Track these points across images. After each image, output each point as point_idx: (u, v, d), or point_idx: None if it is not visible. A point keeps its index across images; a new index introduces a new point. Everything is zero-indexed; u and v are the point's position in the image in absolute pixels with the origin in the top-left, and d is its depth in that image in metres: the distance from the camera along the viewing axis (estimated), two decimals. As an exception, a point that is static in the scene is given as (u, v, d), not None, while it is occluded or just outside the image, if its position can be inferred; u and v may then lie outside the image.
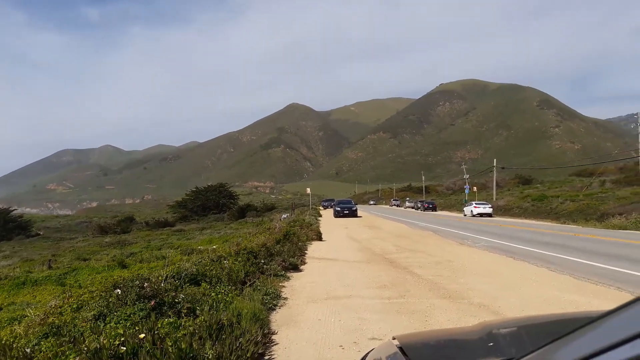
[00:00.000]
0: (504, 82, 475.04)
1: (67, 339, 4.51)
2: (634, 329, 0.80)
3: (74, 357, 4.00)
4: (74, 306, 6.40)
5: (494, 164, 62.14)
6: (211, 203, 78.87)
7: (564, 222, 30.43)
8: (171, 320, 5.04)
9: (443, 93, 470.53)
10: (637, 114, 49.12)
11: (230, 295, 6.77)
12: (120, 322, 5.14)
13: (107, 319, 5.38)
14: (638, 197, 29.71)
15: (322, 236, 19.82)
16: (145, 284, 6.16)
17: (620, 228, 23.78)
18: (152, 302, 5.68)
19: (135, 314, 5.40)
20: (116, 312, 5.53)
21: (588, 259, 12.36)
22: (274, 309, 7.16)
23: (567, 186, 58.54)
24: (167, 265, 8.55)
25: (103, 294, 6.24)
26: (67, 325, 5.20)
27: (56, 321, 5.43)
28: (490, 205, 42.84)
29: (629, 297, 7.31)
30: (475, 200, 48.35)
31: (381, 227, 28.01)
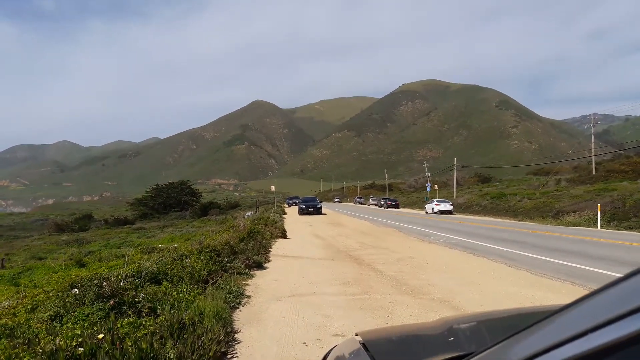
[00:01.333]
0: (464, 82, 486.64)
1: (21, 341, 4.34)
2: (588, 322, 0.83)
3: (29, 359, 3.86)
4: (28, 307, 6.18)
5: (455, 163, 63.51)
6: (173, 201, 77.59)
7: (522, 219, 31.40)
8: (131, 320, 4.93)
9: (406, 93, 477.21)
10: (589, 116, 51.18)
11: (192, 294, 6.68)
12: (78, 322, 5.01)
13: (64, 319, 5.23)
14: (590, 195, 30.92)
15: (287, 234, 19.78)
16: (104, 283, 6.01)
17: (574, 225, 24.73)
18: (112, 302, 5.55)
19: (93, 314, 5.26)
20: (73, 312, 5.38)
21: (544, 254, 12.80)
22: (237, 308, 7.10)
23: (525, 184, 60.36)
24: (127, 264, 8.36)
25: (60, 294, 6.05)
26: (21, 327, 5.01)
27: (9, 322, 5.23)
28: (450, 203, 43.77)
29: (581, 291, 7.62)
30: (436, 198, 49.28)
31: (345, 224, 28.19)
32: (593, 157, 53.04)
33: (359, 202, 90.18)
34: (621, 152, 74.43)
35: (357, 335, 1.96)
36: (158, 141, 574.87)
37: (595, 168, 50.76)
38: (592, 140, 52.25)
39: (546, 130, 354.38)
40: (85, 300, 5.68)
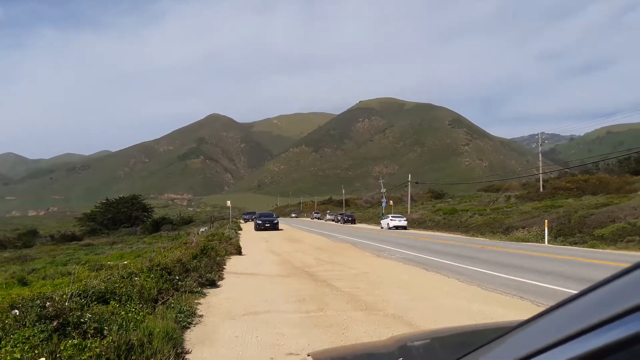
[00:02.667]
0: (419, 101, 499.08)
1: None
2: (545, 340, 0.84)
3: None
4: (-38, 330, 5.78)
5: (409, 179, 64.82)
6: (123, 216, 75.45)
7: (473, 235, 32.27)
8: (75, 341, 4.70)
9: (362, 110, 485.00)
10: (537, 135, 53.44)
11: (141, 314, 6.45)
12: (18, 345, 4.72)
13: (3, 342, 4.92)
14: (538, 212, 32.15)
15: (242, 250, 19.50)
16: (48, 303, 5.71)
17: (523, 240, 25.62)
18: (55, 323, 5.27)
19: (35, 336, 4.98)
20: (13, 334, 5.07)
21: (494, 270, 13.17)
22: (189, 327, 6.90)
23: (476, 201, 62.14)
24: (73, 283, 7.99)
25: (-2, 316, 5.70)
26: (-47, 351, 4.68)
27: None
28: (405, 218, 44.52)
29: (529, 306, 7.83)
30: (391, 214, 50.01)
31: (302, 240, 28.11)
32: (541, 175, 55.28)
33: (316, 218, 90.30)
34: (567, 170, 78.05)
35: (309, 355, 1.94)
36: (109, 154, 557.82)
37: (543, 185, 52.89)
38: (540, 159, 54.63)
39: (496, 149, 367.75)
40: (26, 322, 5.38)
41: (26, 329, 5.18)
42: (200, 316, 7.66)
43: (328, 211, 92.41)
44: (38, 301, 5.79)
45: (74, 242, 54.90)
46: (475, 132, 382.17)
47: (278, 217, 47.83)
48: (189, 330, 6.75)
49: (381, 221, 47.76)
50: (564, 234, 24.74)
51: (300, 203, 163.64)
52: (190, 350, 5.75)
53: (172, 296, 8.47)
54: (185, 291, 9.13)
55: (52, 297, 6.08)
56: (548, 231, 24.61)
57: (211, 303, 8.80)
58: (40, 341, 4.83)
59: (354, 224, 60.18)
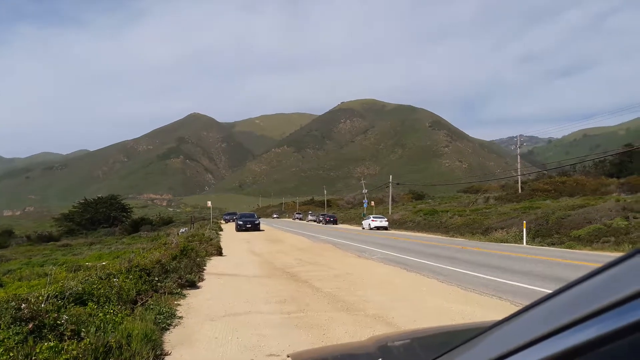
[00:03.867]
0: (399, 102, 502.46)
1: None
2: (519, 339, 0.86)
3: None
4: None
5: (390, 180, 65.23)
6: (101, 216, 74.47)
7: (453, 236, 32.60)
8: (52, 344, 4.62)
9: (344, 111, 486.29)
10: (516, 137, 54.21)
11: (119, 315, 6.37)
12: (-8, 348, 4.61)
13: (-24, 345, 4.80)
14: (517, 213, 32.62)
15: (223, 251, 19.38)
16: (23, 305, 5.59)
17: (501, 241, 25.98)
18: (30, 325, 5.17)
19: (10, 338, 4.88)
20: (-14, 337, 4.96)
21: (473, 270, 13.32)
22: (168, 329, 6.83)
23: (456, 202, 62.78)
24: (50, 284, 7.84)
25: (-29, 318, 5.56)
26: None
27: None
28: (386, 219, 44.78)
29: (508, 306, 7.94)
30: (372, 214, 50.24)
31: (283, 240, 28.06)
32: (519, 177, 56.10)
33: (297, 218, 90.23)
34: (544, 172, 79.44)
35: (288, 357, 1.94)
36: (87, 153, 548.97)
37: (521, 187, 53.65)
38: (519, 161, 55.36)
39: (476, 150, 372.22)
40: (0, 324, 5.26)
41: (1, 331, 5.07)
42: (180, 317, 7.60)
43: (310, 212, 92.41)
44: (13, 303, 5.67)
45: (51, 242, 53.96)
46: (455, 134, 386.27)
47: (259, 217, 47.65)
48: (168, 332, 6.68)
49: (363, 222, 47.95)
50: (541, 234, 25.16)
51: (282, 204, 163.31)
52: (169, 352, 5.70)
53: (151, 297, 8.38)
54: (165, 292, 9.04)
55: (27, 299, 5.96)
56: (526, 232, 25.00)
57: (191, 304, 8.73)
58: (15, 344, 4.74)
59: (336, 224, 60.28)
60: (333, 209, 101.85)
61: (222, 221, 68.93)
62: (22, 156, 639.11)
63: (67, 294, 6.85)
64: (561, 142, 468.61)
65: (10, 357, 4.24)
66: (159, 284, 9.45)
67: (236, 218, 46.63)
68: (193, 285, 10.74)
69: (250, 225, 39.87)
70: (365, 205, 67.85)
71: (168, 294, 9.04)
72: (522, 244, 24.25)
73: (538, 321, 0.86)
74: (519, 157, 55.23)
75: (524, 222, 25.92)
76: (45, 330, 5.23)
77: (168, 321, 7.10)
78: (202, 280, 11.85)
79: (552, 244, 23.15)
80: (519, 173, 55.89)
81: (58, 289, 6.99)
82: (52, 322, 5.37)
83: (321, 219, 65.68)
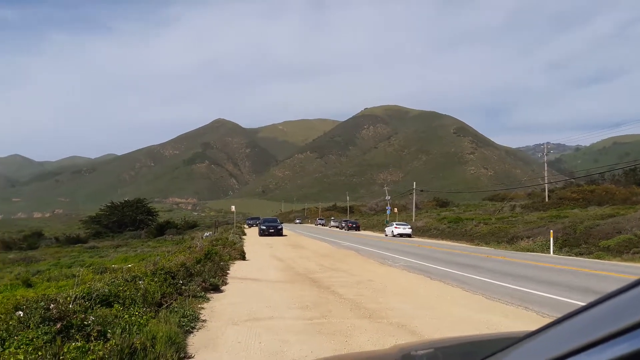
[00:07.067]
0: (423, 109, 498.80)
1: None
2: (551, 353, 0.84)
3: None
4: (-33, 330, 5.81)
5: (414, 187, 64.71)
6: (128, 219, 75.72)
7: (478, 244, 32.12)
8: (79, 344, 4.71)
9: (367, 117, 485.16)
10: (543, 145, 53.25)
11: (144, 317, 6.46)
12: (22, 347, 4.74)
13: (7, 343, 4.94)
14: (544, 222, 31.98)
15: (246, 255, 19.51)
16: (52, 305, 5.72)
17: (528, 250, 25.48)
18: (59, 325, 5.28)
19: (38, 337, 4.99)
20: (17, 336, 5.09)
21: (499, 279, 13.09)
22: (192, 332, 6.90)
23: (481, 210, 61.91)
24: (77, 285, 8.01)
25: (2, 317, 5.72)
26: (-42, 352, 4.70)
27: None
28: (409, 226, 44.40)
29: (534, 317, 7.77)
30: (396, 221, 49.87)
31: (306, 246, 28.08)
32: (546, 185, 55.07)
33: (320, 224, 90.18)
34: (572, 180, 77.76)
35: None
36: (115, 157, 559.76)
37: (548, 195, 52.66)
38: (545, 168, 54.38)
39: (502, 158, 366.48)
40: (30, 324, 5.39)
41: (30, 330, 5.19)
42: (204, 321, 7.66)
43: (332, 218, 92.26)
44: (42, 303, 5.80)
45: (79, 244, 55.08)
46: (480, 141, 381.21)
47: (282, 222, 47.84)
48: (192, 335, 6.75)
49: (385, 229, 47.64)
50: (569, 244, 24.58)
51: (304, 209, 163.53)
52: (193, 355, 5.75)
53: (175, 300, 8.47)
54: (189, 295, 9.13)
55: (56, 299, 6.10)
56: (553, 241, 24.47)
57: (214, 308, 8.79)
58: (43, 343, 4.84)
59: (358, 230, 60.06)
60: (355, 215, 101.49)
61: (246, 226, 69.41)
62: (52, 160, 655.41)
63: (94, 295, 6.98)
64: (590, 150, 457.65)
65: (38, 356, 4.33)
66: (183, 287, 9.56)
67: (259, 223, 46.92)
68: (217, 289, 10.83)
69: (273, 230, 40.05)
70: (388, 212, 67.43)
71: (192, 297, 9.13)
72: (549, 253, 23.74)
73: (569, 335, 0.84)
74: (545, 164, 54.26)
75: (551, 231, 25.38)
76: (73, 331, 5.33)
77: (192, 324, 7.17)
78: (226, 284, 11.94)
79: (580, 254, 22.58)
80: (546, 181, 54.85)
81: (85, 290, 7.13)
82: (79, 323, 5.48)
83: (343, 225, 65.51)
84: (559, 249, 24.20)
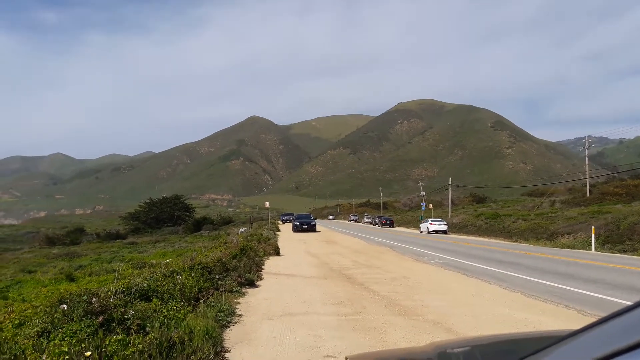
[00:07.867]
0: (459, 102, 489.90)
1: (7, 357, 4.24)
2: (596, 353, 0.80)
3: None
4: (15, 322, 6.06)
5: (450, 182, 63.69)
6: (165, 215, 77.29)
7: (516, 241, 31.39)
8: (120, 337, 4.84)
9: (401, 112, 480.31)
10: (584, 138, 51.53)
11: (182, 311, 6.59)
12: (66, 339, 4.91)
13: (52, 335, 5.12)
14: (585, 218, 30.98)
15: (280, 251, 19.67)
16: (94, 299, 5.91)
17: (568, 247, 24.74)
18: (100, 318, 5.45)
19: (81, 330, 5.16)
20: (61, 328, 5.27)
21: (538, 277, 12.75)
22: (228, 326, 7.00)
23: (519, 205, 60.49)
24: (117, 280, 8.25)
25: (48, 309, 5.94)
26: (7, 342, 4.90)
27: (-5, 338, 5.11)
28: (445, 223, 43.76)
29: (575, 315, 7.52)
30: (431, 217, 49.29)
31: (339, 242, 28.09)
32: (587, 180, 53.29)
33: (353, 220, 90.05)
34: (615, 174, 75.01)
35: (346, 358, 1.93)
36: (152, 155, 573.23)
37: (590, 190, 50.99)
38: (587, 163, 52.59)
39: (541, 152, 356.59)
40: (73, 316, 5.58)
41: (74, 323, 5.37)
42: (240, 315, 7.76)
43: (365, 214, 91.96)
44: (85, 297, 5.99)
45: (119, 240, 56.64)
46: (518, 135, 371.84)
47: (315, 219, 48.00)
48: (228, 329, 6.84)
49: (420, 225, 47.15)
50: (612, 241, 23.72)
51: (337, 205, 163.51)
52: (229, 349, 5.83)
53: (212, 295, 8.62)
54: (225, 290, 9.27)
55: (98, 294, 6.28)
56: (595, 238, 23.66)
57: (250, 303, 8.90)
58: (86, 335, 5.00)
59: (392, 227, 59.65)
60: (389, 212, 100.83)
61: (280, 222, 69.96)
62: (92, 158, 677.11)
63: (134, 289, 7.17)
64: (634, 143, 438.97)
65: (82, 348, 4.47)
66: (219, 282, 9.72)
67: (293, 219, 47.23)
68: (252, 284, 10.96)
69: (306, 226, 40.26)
70: (423, 208, 66.69)
71: (228, 292, 9.28)
72: (591, 250, 22.97)
73: (615, 335, 0.80)
74: (587, 158, 52.49)
75: (593, 227, 24.55)
76: (114, 324, 5.49)
77: (228, 319, 7.28)
78: (261, 279, 12.07)
79: (624, 251, 21.76)
80: (587, 175, 53.06)
81: (125, 284, 7.33)
82: (119, 316, 5.64)
83: (377, 221, 65.21)
84: (601, 246, 23.39)
